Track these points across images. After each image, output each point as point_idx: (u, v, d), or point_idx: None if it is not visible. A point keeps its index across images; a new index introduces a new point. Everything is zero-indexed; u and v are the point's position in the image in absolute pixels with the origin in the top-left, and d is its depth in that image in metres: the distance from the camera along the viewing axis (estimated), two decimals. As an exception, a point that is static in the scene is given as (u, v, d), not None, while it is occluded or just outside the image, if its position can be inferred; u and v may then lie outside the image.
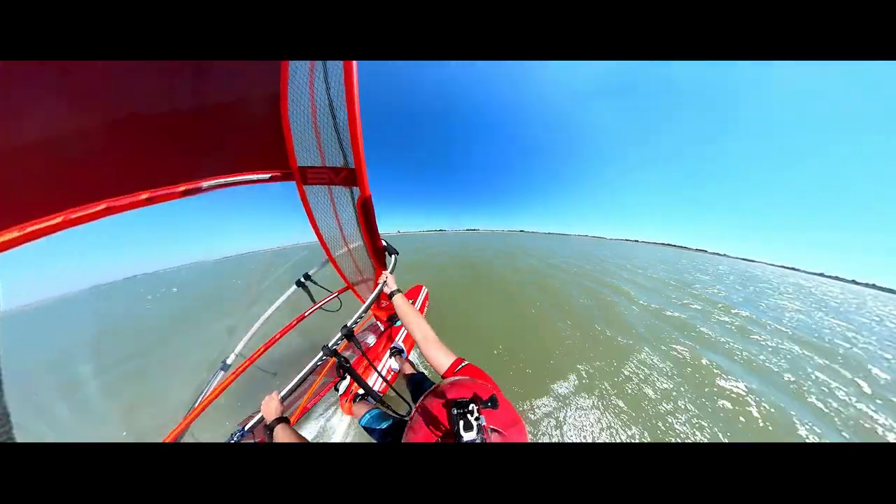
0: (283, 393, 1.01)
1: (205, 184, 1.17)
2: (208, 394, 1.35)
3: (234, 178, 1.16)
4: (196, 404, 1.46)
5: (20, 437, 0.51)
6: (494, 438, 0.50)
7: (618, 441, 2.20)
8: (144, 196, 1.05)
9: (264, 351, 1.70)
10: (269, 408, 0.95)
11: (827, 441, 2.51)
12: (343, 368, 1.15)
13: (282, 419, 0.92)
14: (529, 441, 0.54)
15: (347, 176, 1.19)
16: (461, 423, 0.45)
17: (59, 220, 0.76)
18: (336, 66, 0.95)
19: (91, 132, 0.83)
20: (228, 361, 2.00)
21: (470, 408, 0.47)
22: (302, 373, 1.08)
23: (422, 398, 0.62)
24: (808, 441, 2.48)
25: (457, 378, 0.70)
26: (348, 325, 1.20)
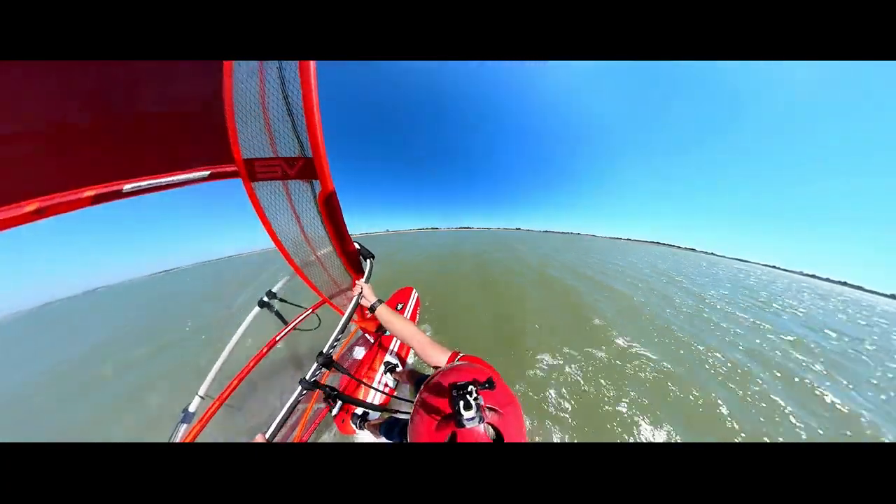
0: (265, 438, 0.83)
1: (127, 186, 0.97)
2: None
3: (164, 180, 0.98)
4: None
5: None
6: (492, 417, 0.53)
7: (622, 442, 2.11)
8: (31, 208, 0.83)
9: (237, 386, 1.46)
10: None
11: (826, 441, 2.48)
12: (332, 398, 1.01)
13: None
14: (525, 421, 0.56)
15: (304, 167, 1.03)
16: (461, 403, 0.47)
17: None
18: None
19: None
20: (191, 409, 1.65)
21: (469, 389, 0.49)
22: (282, 412, 0.87)
23: (420, 390, 0.64)
24: (806, 441, 2.44)
25: (453, 364, 0.71)
26: (324, 351, 1.00)
